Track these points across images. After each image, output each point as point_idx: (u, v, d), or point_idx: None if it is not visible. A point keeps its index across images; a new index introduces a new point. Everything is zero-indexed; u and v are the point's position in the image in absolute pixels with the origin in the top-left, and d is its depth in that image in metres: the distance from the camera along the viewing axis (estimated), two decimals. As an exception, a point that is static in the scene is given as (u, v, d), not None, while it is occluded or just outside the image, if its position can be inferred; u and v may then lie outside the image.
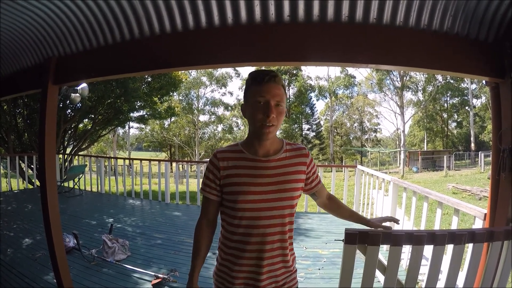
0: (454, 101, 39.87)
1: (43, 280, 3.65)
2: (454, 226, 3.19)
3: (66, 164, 11.67)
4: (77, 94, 7.10)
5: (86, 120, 14.97)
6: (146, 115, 16.92)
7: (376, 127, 44.98)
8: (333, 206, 1.85)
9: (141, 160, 9.14)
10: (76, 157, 12.48)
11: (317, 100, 41.39)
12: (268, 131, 1.43)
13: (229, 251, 1.54)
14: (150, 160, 9.29)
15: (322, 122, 45.63)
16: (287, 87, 41.05)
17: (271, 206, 1.48)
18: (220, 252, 1.60)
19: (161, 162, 8.71)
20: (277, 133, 1.54)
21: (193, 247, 1.61)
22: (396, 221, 1.83)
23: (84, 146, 15.24)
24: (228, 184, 1.50)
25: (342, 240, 1.82)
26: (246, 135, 1.59)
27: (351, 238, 1.78)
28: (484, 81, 2.44)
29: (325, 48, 2.15)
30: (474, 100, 38.02)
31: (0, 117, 11.07)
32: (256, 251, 1.48)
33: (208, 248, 1.62)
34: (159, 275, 3.67)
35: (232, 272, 1.53)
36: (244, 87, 1.58)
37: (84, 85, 6.98)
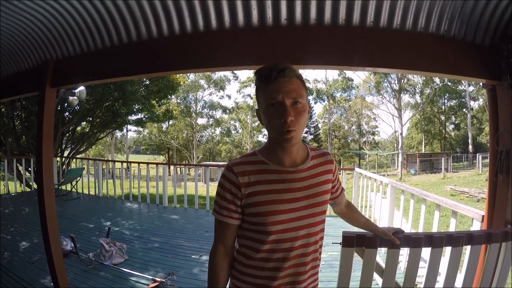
0: (451, 104, 39.97)
1: (40, 283, 3.63)
2: (452, 228, 3.19)
3: (64, 167, 11.63)
4: (75, 97, 7.10)
5: (84, 123, 14.93)
6: (144, 118, 16.91)
7: (374, 130, 45.02)
8: (351, 214, 1.71)
9: (139, 163, 9.14)
10: (74, 160, 12.46)
11: (315, 103, 41.18)
12: (291, 137, 1.19)
13: (255, 281, 1.30)
14: (148, 163, 9.26)
15: (320, 125, 45.69)
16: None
17: (304, 224, 1.27)
18: (237, 283, 1.34)
19: (159, 165, 8.70)
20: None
21: (210, 281, 1.32)
22: (400, 233, 1.74)
23: (82, 149, 15.21)
24: (252, 204, 1.24)
25: (340, 243, 1.82)
26: (265, 142, 1.35)
27: (348, 241, 1.78)
28: (481, 83, 2.45)
29: (323, 51, 2.16)
30: (472, 102, 38.17)
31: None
32: (289, 275, 1.29)
33: (227, 280, 1.36)
34: (157, 279, 3.65)
35: None
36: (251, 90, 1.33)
37: (81, 88, 6.98)
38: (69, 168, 11.58)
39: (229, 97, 46.56)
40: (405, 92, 35.89)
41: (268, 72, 1.19)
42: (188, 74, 35.68)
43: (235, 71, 36.97)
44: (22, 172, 10.27)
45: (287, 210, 1.24)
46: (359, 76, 40.93)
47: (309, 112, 1.30)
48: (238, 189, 1.24)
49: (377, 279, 2.79)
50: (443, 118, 41.86)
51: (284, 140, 1.20)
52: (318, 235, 1.34)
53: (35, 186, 9.67)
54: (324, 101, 42.02)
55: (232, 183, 1.25)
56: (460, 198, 12.53)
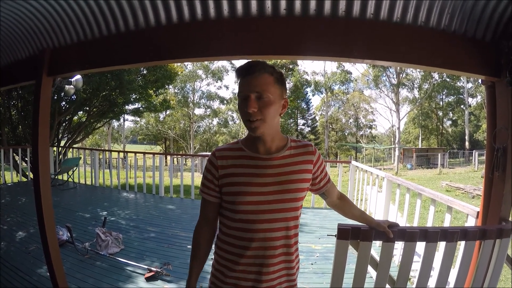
0: (449, 100, 40.07)
1: (36, 273, 3.63)
2: (446, 224, 3.21)
3: (61, 156, 11.60)
4: (71, 86, 7.02)
5: (81, 112, 14.85)
6: (141, 108, 16.81)
7: (371, 124, 45.13)
8: (344, 206, 1.75)
9: (135, 153, 9.10)
10: (71, 149, 12.39)
11: (313, 95, 41.32)
12: (255, 127, 1.32)
13: (226, 255, 1.44)
14: (144, 153, 9.25)
15: (317, 118, 45.73)
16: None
17: (272, 208, 1.37)
18: (216, 257, 1.50)
19: (155, 155, 8.69)
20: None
21: (191, 251, 1.53)
22: (395, 226, 1.76)
23: (78, 139, 15.14)
24: (226, 184, 1.40)
25: (335, 236, 1.82)
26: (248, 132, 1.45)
27: (343, 233, 1.79)
28: (480, 80, 2.44)
29: (322, 42, 2.14)
30: (470, 99, 38.24)
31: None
32: (256, 257, 1.38)
33: (207, 252, 1.53)
34: (152, 269, 3.66)
35: (227, 278, 1.43)
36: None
37: (78, 77, 6.90)
38: (66, 157, 11.53)
39: (227, 87, 46.34)
40: (403, 86, 35.90)
41: (240, 70, 1.35)
42: (185, 64, 35.58)
43: (233, 61, 36.74)
44: (18, 162, 10.24)
45: (255, 192, 1.36)
46: (357, 69, 40.99)
47: (286, 106, 1.42)
48: (216, 170, 1.42)
49: (371, 272, 2.81)
50: (440, 114, 42.01)
51: (250, 129, 1.34)
52: (290, 222, 1.41)
53: (31, 176, 9.63)
54: (322, 93, 42.07)
55: (212, 165, 1.43)
56: (456, 194, 12.61)
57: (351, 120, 44.64)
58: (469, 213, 2.82)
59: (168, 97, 26.30)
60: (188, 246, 4.52)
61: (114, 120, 28.21)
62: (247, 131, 1.41)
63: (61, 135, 13.54)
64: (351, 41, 2.13)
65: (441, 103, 41.11)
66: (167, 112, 38.26)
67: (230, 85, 46.16)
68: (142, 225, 5.55)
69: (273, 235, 1.37)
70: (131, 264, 3.87)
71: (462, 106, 38.89)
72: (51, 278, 2.87)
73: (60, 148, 12.11)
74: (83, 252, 4.16)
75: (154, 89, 15.82)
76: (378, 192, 5.32)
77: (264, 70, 1.33)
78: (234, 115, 43.13)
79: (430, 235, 1.80)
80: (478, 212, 2.62)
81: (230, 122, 43.78)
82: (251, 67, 1.32)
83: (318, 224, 5.63)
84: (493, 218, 2.27)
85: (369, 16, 2.09)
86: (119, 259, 4.02)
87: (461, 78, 34.43)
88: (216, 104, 42.56)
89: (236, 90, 1.43)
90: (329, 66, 42.55)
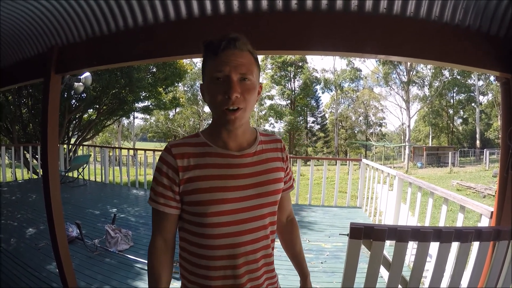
0: (460, 97, 39.60)
1: (45, 269, 3.67)
2: (459, 224, 3.15)
3: (71, 154, 11.71)
4: (80, 83, 7.08)
5: (91, 110, 15.01)
6: (150, 106, 16.96)
7: (381, 121, 44.85)
8: (288, 233, 1.43)
9: (145, 150, 9.14)
10: (81, 147, 12.53)
11: (323, 92, 41.23)
12: (234, 117, 1.04)
13: (205, 282, 1.13)
14: (154, 150, 9.26)
15: (327, 115, 45.61)
16: (292, 80, 41.51)
17: (252, 216, 1.12)
18: (188, 284, 1.18)
19: (165, 153, 8.71)
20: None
21: (150, 279, 1.15)
22: None
23: (88, 136, 15.30)
24: (191, 191, 1.09)
25: (347, 235, 1.79)
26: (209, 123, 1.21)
27: (356, 232, 1.76)
28: (493, 77, 2.38)
29: (334, 37, 2.10)
30: (481, 97, 37.82)
31: (5, 107, 11.11)
32: (243, 275, 1.12)
33: (170, 277, 1.18)
34: (161, 266, 3.66)
35: None
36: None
37: (87, 74, 6.96)
38: (76, 155, 11.65)
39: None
40: (414, 84, 35.60)
41: (217, 42, 1.06)
42: (195, 62, 35.69)
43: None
44: (29, 159, 10.36)
45: (232, 199, 1.09)
46: (367, 66, 40.83)
47: (260, 93, 1.17)
48: (176, 174, 1.09)
49: (382, 273, 2.77)
50: (451, 112, 41.53)
51: (227, 121, 1.06)
52: (268, 228, 1.18)
53: (41, 173, 9.75)
54: (331, 91, 41.90)
55: (169, 167, 1.10)
56: (466, 194, 12.45)
57: (360, 118, 44.40)
58: (483, 213, 2.75)
59: (177, 95, 26.46)
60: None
61: (124, 118, 28.39)
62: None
63: (71, 132, 13.71)
64: (364, 36, 2.09)
65: (451, 101, 40.63)
66: (177, 110, 38.51)
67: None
68: (152, 222, 5.55)
69: (255, 247, 1.14)
70: (140, 261, 3.89)
71: (473, 104, 38.41)
72: (60, 275, 2.89)
73: (70, 146, 12.23)
74: (92, 249, 4.19)
75: (163, 86, 15.96)
76: (389, 191, 5.25)
77: (246, 47, 1.08)
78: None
79: (444, 235, 1.76)
80: (492, 212, 2.56)
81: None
82: (231, 40, 1.05)
83: (328, 223, 5.59)
84: (507, 218, 2.21)
85: (382, 10, 2.05)
86: (128, 256, 4.04)
87: (472, 76, 34.06)
88: (225, 102, 42.66)
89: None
90: (339, 63, 42.64)
